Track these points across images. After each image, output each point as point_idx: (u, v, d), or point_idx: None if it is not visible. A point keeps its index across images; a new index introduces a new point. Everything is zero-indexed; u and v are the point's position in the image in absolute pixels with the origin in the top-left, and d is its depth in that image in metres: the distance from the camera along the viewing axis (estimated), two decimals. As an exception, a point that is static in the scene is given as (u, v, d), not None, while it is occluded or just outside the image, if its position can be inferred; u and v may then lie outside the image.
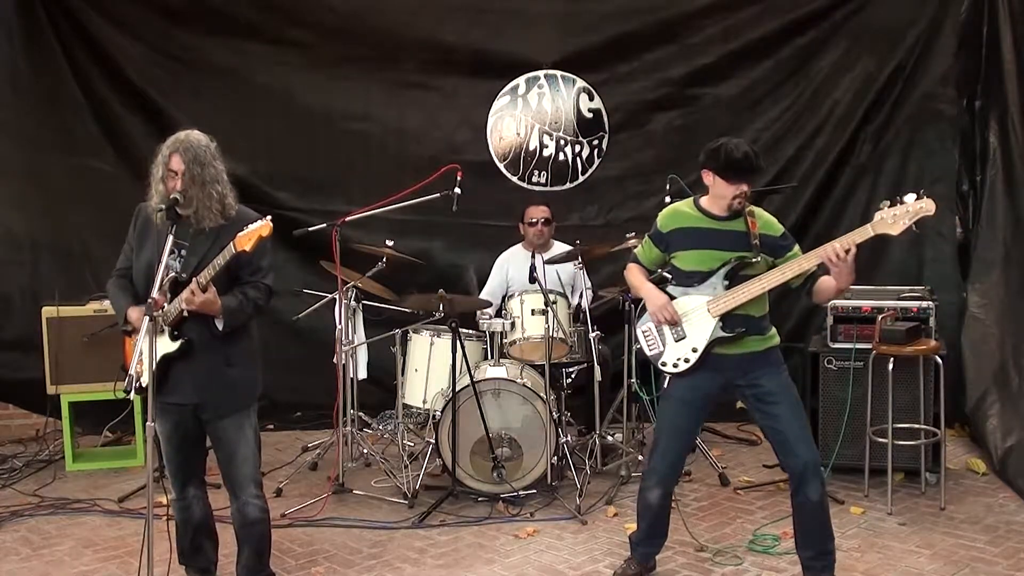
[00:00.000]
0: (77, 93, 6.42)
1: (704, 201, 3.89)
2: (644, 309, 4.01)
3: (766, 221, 3.87)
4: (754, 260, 3.77)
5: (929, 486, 5.05)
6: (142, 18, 6.45)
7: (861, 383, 5.04)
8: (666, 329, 3.91)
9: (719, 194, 3.80)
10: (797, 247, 3.87)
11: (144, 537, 3.38)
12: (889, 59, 6.43)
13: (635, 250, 4.13)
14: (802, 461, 3.80)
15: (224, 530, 3.96)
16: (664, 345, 3.92)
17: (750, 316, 3.82)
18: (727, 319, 3.79)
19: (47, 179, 6.43)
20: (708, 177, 3.82)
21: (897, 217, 3.53)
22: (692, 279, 3.86)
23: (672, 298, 3.90)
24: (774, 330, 3.95)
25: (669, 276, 4.02)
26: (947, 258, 6.39)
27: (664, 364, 3.93)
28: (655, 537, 4.12)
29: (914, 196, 3.53)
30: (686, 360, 3.87)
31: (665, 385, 4.06)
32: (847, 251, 3.57)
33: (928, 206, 3.51)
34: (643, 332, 4.00)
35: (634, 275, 4.07)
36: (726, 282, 3.79)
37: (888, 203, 3.56)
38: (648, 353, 3.99)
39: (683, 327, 3.87)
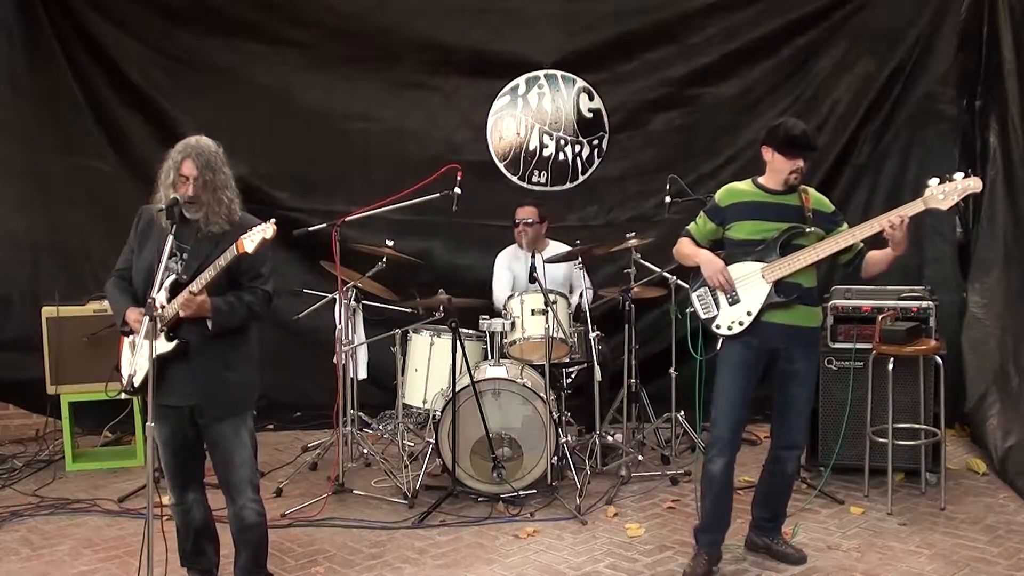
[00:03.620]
0: (77, 93, 6.42)
1: (761, 178, 4.07)
2: (697, 275, 4.13)
3: (818, 199, 4.11)
4: (808, 230, 3.96)
5: (929, 486, 5.05)
6: (142, 18, 6.46)
7: (861, 383, 5.04)
8: (720, 293, 4.04)
9: (777, 169, 4.00)
10: (846, 224, 4.08)
11: (144, 537, 3.38)
12: (889, 59, 6.44)
13: (687, 227, 4.23)
14: (795, 439, 4.16)
15: (225, 530, 3.95)
16: (718, 308, 4.05)
17: (800, 285, 3.98)
18: (780, 285, 3.94)
19: (47, 179, 6.43)
20: (767, 153, 4.02)
21: (947, 194, 3.76)
22: (746, 247, 4.01)
23: (726, 264, 4.03)
24: (820, 307, 4.15)
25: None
26: (947, 258, 6.40)
27: (718, 327, 4.06)
28: (721, 516, 4.11)
29: (962, 174, 3.75)
30: (740, 323, 3.99)
31: (719, 348, 4.12)
32: (902, 221, 3.79)
33: (976, 184, 3.75)
34: (697, 296, 4.14)
35: (687, 246, 4.19)
36: (780, 250, 3.95)
37: (937, 180, 3.78)
38: (702, 316, 4.12)
39: (737, 291, 4.00)
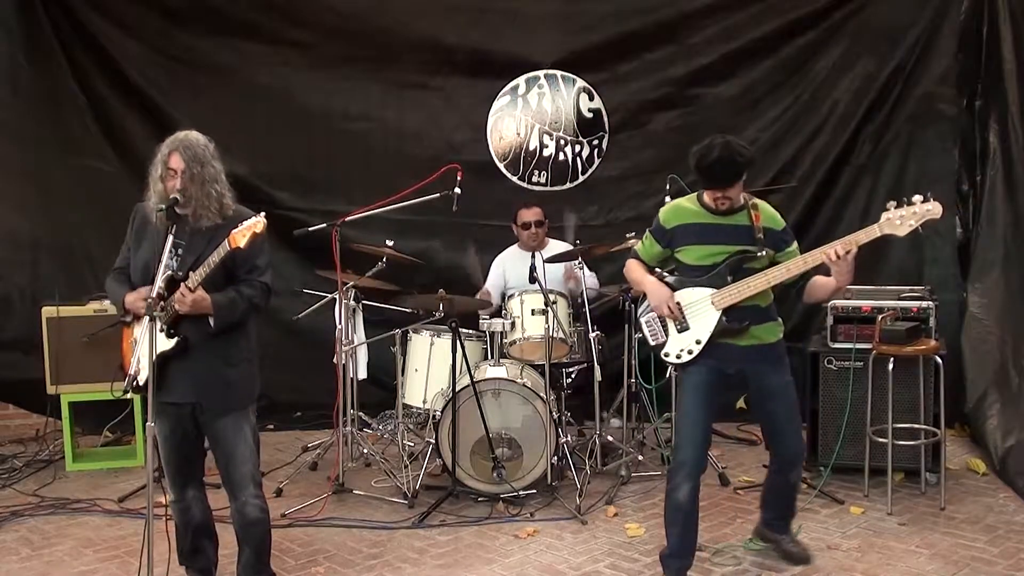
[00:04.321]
0: (77, 93, 6.43)
1: (706, 196, 3.91)
2: (646, 299, 4.03)
3: (769, 215, 3.92)
4: (759, 254, 3.81)
5: (929, 486, 5.05)
6: (142, 18, 6.47)
7: (861, 383, 5.04)
8: (669, 320, 3.94)
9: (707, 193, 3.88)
10: (796, 244, 3.93)
11: (144, 537, 3.39)
12: (889, 59, 6.43)
13: (635, 247, 4.14)
14: (791, 451, 4.06)
15: (224, 530, 3.95)
16: (667, 335, 3.96)
17: (757, 306, 3.87)
18: (731, 311, 3.83)
19: (47, 179, 6.43)
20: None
21: (904, 218, 3.59)
22: (696, 273, 3.90)
23: (675, 290, 3.93)
24: (780, 320, 4.00)
25: (668, 274, 4.04)
26: (947, 258, 6.39)
27: (667, 355, 3.97)
28: (689, 544, 3.98)
29: (921, 198, 3.58)
30: (689, 352, 3.90)
31: (672, 374, 4.08)
32: (847, 252, 3.63)
33: (935, 209, 3.57)
34: (645, 322, 4.04)
35: (634, 270, 4.09)
36: (730, 276, 3.83)
37: (895, 204, 3.61)
38: (651, 343, 4.02)
39: (686, 318, 3.90)
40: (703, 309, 3.87)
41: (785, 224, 3.96)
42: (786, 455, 4.06)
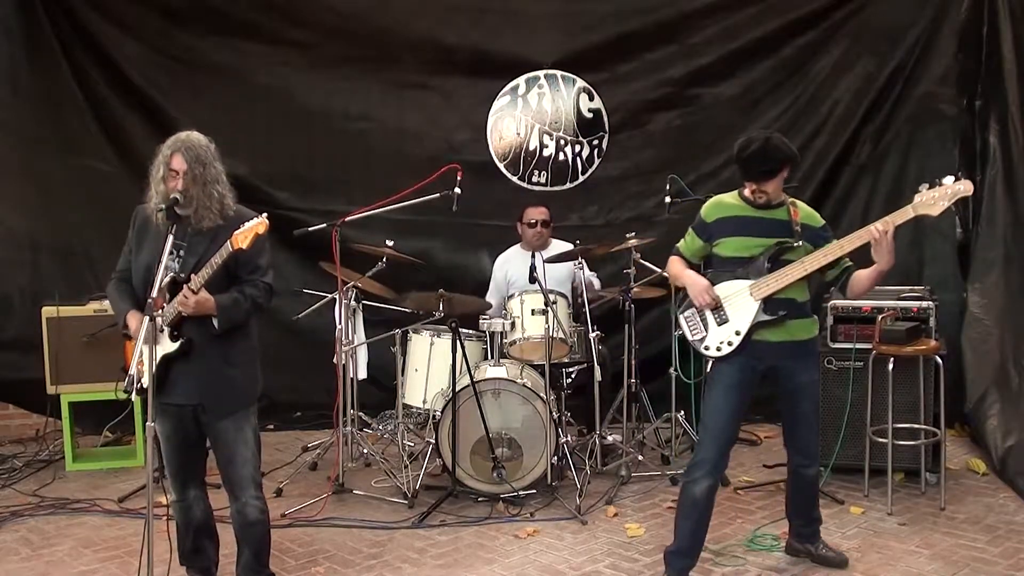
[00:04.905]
0: (77, 93, 6.42)
1: (745, 189, 3.96)
2: (685, 296, 4.06)
3: (807, 213, 3.99)
4: (795, 245, 3.86)
5: (929, 486, 5.05)
6: (142, 18, 6.46)
7: (861, 383, 5.04)
8: (708, 314, 3.96)
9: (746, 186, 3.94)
10: (835, 240, 3.95)
11: (144, 537, 3.39)
12: (889, 59, 6.44)
13: (678, 244, 4.17)
14: (812, 447, 4.10)
15: (225, 530, 3.95)
16: (707, 329, 3.97)
17: (793, 300, 3.90)
18: (769, 302, 3.86)
19: (47, 179, 6.43)
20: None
21: (937, 199, 3.65)
22: (734, 265, 3.93)
23: (713, 283, 3.95)
24: (815, 317, 4.04)
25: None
26: (947, 258, 6.39)
27: (707, 348, 3.98)
28: (698, 543, 3.98)
29: (952, 178, 3.65)
30: (729, 343, 3.91)
31: (708, 370, 4.09)
32: (886, 231, 3.69)
33: (967, 187, 3.64)
34: (685, 317, 4.05)
35: (675, 266, 4.13)
36: (768, 266, 3.86)
37: (927, 185, 3.68)
38: (691, 338, 4.03)
39: (725, 311, 3.92)
40: (742, 300, 3.89)
41: (824, 222, 4.01)
42: (806, 451, 4.08)
